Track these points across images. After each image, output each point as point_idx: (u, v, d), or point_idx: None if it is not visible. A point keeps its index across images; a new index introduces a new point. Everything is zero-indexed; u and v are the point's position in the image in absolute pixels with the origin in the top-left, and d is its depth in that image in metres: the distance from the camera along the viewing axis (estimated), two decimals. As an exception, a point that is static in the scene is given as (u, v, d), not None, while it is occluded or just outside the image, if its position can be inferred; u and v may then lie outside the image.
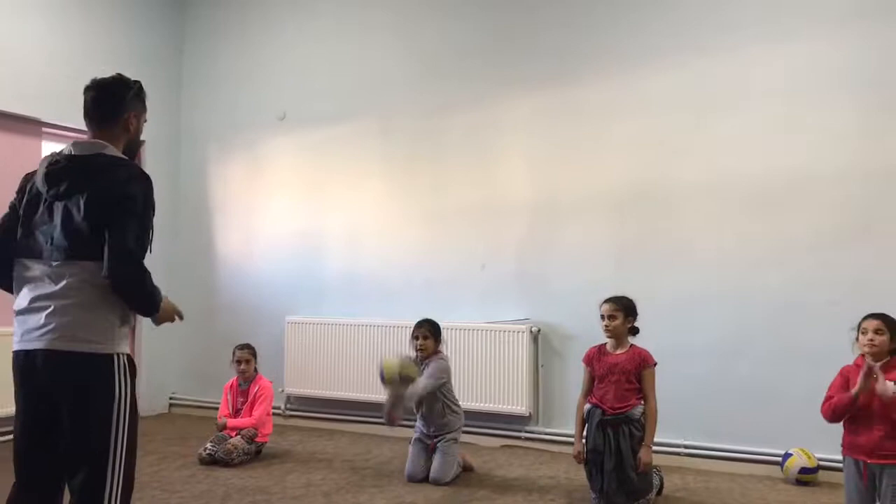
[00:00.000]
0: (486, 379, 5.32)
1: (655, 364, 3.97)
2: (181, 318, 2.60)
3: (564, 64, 5.32)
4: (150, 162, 6.44)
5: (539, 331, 5.29)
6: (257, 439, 4.95)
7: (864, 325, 3.51)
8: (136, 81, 2.56)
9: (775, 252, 4.66)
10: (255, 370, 5.16)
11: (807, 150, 4.61)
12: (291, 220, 6.26)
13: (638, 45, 5.09)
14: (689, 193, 4.91)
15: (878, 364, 3.46)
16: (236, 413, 5.08)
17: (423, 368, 4.52)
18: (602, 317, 4.03)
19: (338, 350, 5.86)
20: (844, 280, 4.47)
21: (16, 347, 2.35)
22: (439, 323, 4.67)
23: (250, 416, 5.00)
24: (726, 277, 4.78)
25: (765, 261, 4.69)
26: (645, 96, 5.06)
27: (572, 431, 4.91)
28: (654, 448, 3.97)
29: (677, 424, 4.52)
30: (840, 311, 4.06)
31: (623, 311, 4.01)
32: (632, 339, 4.06)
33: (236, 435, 4.88)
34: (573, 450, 4.10)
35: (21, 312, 2.35)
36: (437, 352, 4.60)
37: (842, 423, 3.56)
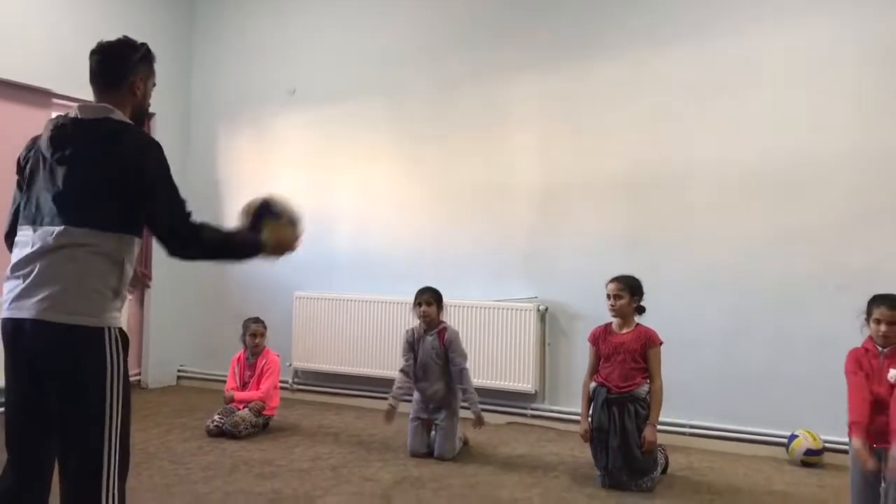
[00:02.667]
0: (493, 356, 5.34)
1: (661, 343, 3.98)
2: (300, 231, 2.56)
3: (574, 45, 5.28)
4: (160, 137, 6.17)
5: (546, 309, 5.29)
6: (265, 412, 4.99)
7: (877, 314, 3.46)
8: (143, 44, 2.47)
9: (784, 235, 4.64)
10: (264, 344, 5.19)
11: (817, 132, 4.57)
12: (301, 195, 6.14)
13: (648, 26, 5.04)
14: (697, 176, 4.88)
15: (886, 350, 3.45)
16: (244, 386, 5.11)
17: (433, 340, 4.53)
18: (608, 296, 4.04)
19: (345, 326, 5.88)
20: (852, 263, 4.44)
21: (4, 315, 2.26)
22: (446, 299, 4.68)
23: (258, 389, 5.03)
24: (734, 260, 4.77)
25: (773, 244, 4.67)
26: (654, 78, 5.02)
27: (578, 409, 4.92)
28: (660, 427, 4.00)
29: (684, 405, 4.53)
30: (847, 295, 4.04)
31: (629, 290, 4.01)
32: (639, 319, 4.06)
33: (244, 408, 4.92)
34: (580, 428, 4.12)
35: (12, 279, 2.26)
36: (441, 320, 4.60)
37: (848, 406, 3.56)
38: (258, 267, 6.26)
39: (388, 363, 5.59)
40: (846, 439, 3.64)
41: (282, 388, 5.42)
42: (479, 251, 5.56)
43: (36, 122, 5.53)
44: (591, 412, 4.06)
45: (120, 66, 2.40)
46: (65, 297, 2.18)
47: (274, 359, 5.15)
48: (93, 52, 2.42)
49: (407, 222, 5.83)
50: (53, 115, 5.58)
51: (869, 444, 3.46)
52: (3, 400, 2.34)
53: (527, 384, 5.24)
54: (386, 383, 5.67)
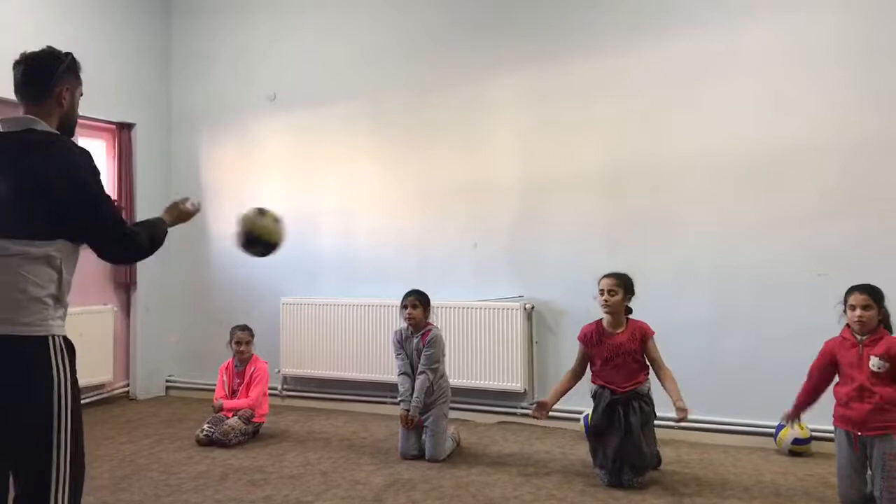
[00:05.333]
0: (481, 356, 5.34)
1: (654, 333, 4.02)
2: (196, 208, 2.72)
3: (553, 41, 5.30)
4: (141, 145, 6.42)
5: (533, 308, 5.31)
6: (254, 420, 4.97)
7: (852, 300, 3.53)
8: (67, 53, 2.44)
9: (765, 225, 4.68)
10: (251, 351, 5.18)
11: (794, 122, 4.61)
12: (284, 200, 6.21)
13: (626, 20, 5.07)
14: (678, 169, 4.91)
15: (864, 338, 3.50)
16: (232, 394, 5.10)
17: (417, 342, 4.55)
18: (601, 291, 4.03)
19: (333, 330, 5.87)
20: (833, 252, 4.48)
21: None
22: (432, 300, 4.69)
23: (247, 397, 5.02)
24: (717, 251, 4.80)
25: (755, 234, 4.70)
26: (634, 71, 5.05)
27: (567, 407, 4.97)
28: (648, 422, 4.02)
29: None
30: (829, 283, 4.08)
31: (623, 287, 4.02)
32: (620, 317, 4.09)
33: (233, 416, 4.90)
34: (541, 400, 4.21)
35: None
36: (427, 322, 4.62)
37: (833, 394, 3.62)
38: (245, 274, 6.32)
39: (377, 366, 5.60)
40: (832, 427, 3.70)
41: (271, 394, 5.41)
42: (463, 252, 5.57)
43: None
44: (592, 414, 4.06)
45: (44, 76, 2.37)
46: (4, 309, 2.18)
47: (262, 366, 5.14)
48: (16, 64, 2.40)
49: (390, 224, 5.84)
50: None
51: (853, 432, 3.52)
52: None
53: (515, 383, 5.25)
54: (375, 386, 5.69)
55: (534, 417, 4.18)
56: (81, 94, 2.51)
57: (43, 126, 2.32)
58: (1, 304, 2.19)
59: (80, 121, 6.17)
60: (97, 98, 6.11)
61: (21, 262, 2.20)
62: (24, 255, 2.21)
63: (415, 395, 4.46)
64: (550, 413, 5.10)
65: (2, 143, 2.30)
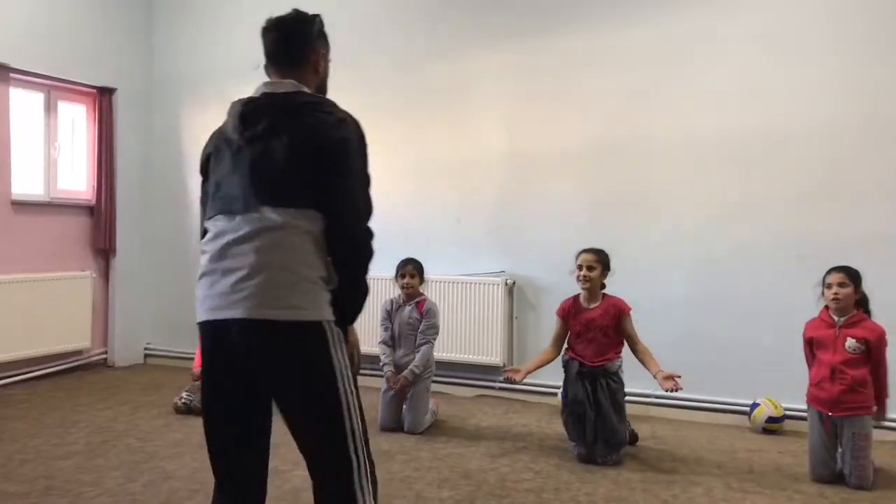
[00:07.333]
0: (462, 330, 5.37)
1: (630, 309, 4.03)
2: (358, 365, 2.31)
3: (539, 16, 5.26)
4: (123, 111, 6.34)
5: (514, 283, 5.33)
6: (233, 389, 4.96)
7: (828, 279, 3.59)
8: (315, 15, 2.23)
9: (746, 206, 4.70)
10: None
11: (780, 105, 4.61)
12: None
13: (616, -3, 5.05)
14: (663, 147, 4.91)
15: (842, 320, 3.55)
16: (212, 363, 5.08)
17: (410, 310, 4.56)
18: (579, 267, 4.03)
19: (314, 301, 5.86)
20: (814, 235, 4.51)
21: (201, 318, 1.97)
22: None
23: (226, 366, 5.00)
24: (698, 231, 4.82)
25: (736, 215, 4.73)
26: (621, 49, 5.03)
27: (545, 382, 5.01)
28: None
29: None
30: (809, 266, 4.12)
31: (602, 263, 4.03)
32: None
33: (212, 385, 4.89)
34: (514, 367, 4.29)
35: (207, 275, 1.97)
36: (420, 292, 4.64)
37: (808, 376, 3.68)
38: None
39: (361, 338, 5.60)
40: (805, 406, 3.76)
41: (250, 364, 5.39)
42: (446, 226, 5.56)
43: (-7, 97, 5.44)
44: (564, 384, 4.08)
45: (301, 42, 2.19)
46: (275, 289, 1.89)
47: (242, 335, 5.12)
48: (266, 30, 2.23)
49: (374, 197, 5.79)
50: (11, 90, 5.53)
51: (824, 412, 3.58)
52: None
53: (495, 357, 5.28)
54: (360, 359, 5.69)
55: (507, 380, 4.17)
56: (330, 60, 2.29)
57: (311, 91, 2.12)
58: (271, 285, 1.90)
59: (59, 84, 6.13)
60: (78, 61, 6.04)
61: (292, 237, 1.93)
62: (294, 229, 1.94)
63: (416, 361, 4.46)
64: (530, 388, 5.17)
65: (271, 104, 2.06)
